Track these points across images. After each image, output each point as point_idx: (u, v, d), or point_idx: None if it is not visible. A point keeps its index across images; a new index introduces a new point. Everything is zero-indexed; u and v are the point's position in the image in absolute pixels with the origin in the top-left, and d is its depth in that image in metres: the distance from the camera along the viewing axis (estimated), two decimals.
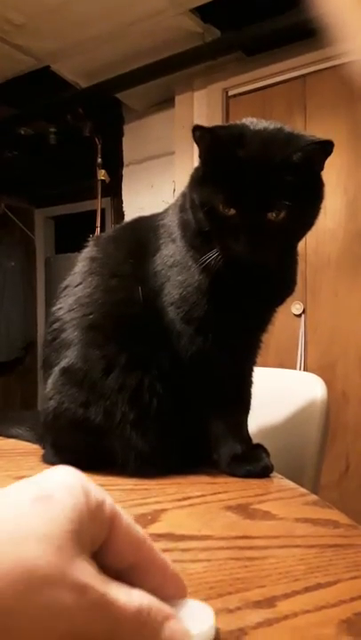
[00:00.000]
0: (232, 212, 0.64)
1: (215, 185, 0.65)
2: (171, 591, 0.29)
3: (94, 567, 0.25)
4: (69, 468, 0.28)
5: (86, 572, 0.24)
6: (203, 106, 2.47)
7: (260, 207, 0.63)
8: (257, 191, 0.63)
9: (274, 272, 0.71)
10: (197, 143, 0.67)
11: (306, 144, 0.63)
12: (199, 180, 0.69)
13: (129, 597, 0.25)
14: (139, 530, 0.29)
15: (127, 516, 0.28)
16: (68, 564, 0.23)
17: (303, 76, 2.19)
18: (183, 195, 0.75)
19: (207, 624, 0.30)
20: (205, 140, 0.66)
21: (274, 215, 0.63)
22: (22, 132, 3.05)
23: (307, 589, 0.37)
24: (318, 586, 0.38)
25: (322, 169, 0.67)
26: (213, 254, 0.66)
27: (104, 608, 0.24)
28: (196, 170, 0.71)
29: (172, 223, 0.75)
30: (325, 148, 0.64)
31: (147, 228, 0.78)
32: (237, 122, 0.70)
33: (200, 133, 0.66)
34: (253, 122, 0.68)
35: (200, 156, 0.69)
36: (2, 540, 0.22)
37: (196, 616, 0.31)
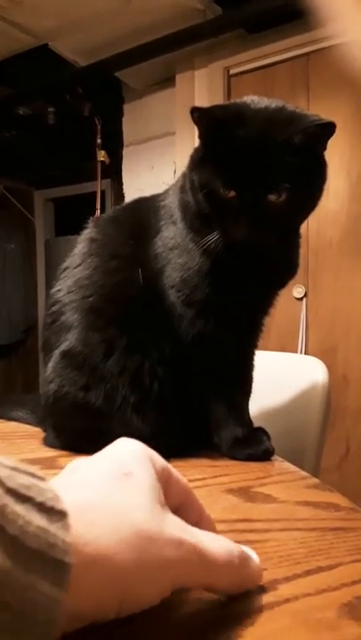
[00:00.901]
0: (232, 194, 0.63)
1: (215, 166, 0.64)
2: (206, 527, 0.34)
3: (179, 520, 0.29)
4: (132, 440, 0.35)
5: (177, 527, 0.28)
6: (204, 85, 2.43)
7: (261, 189, 0.62)
8: (257, 173, 0.61)
9: (276, 255, 0.70)
10: (196, 124, 0.66)
11: (307, 126, 0.61)
12: (199, 161, 0.67)
13: (217, 544, 0.30)
14: (183, 479, 0.35)
15: (174, 469, 0.34)
16: (163, 523, 0.28)
17: (307, 54, 2.15)
18: (183, 175, 0.73)
19: None
20: (204, 121, 0.65)
21: (274, 197, 0.62)
22: (21, 112, 3.00)
23: (308, 572, 0.37)
24: (319, 569, 0.38)
25: (324, 149, 0.66)
26: (213, 237, 0.65)
27: (199, 556, 0.28)
28: (196, 150, 0.69)
29: (172, 204, 0.74)
30: (328, 129, 0.62)
31: (147, 209, 0.77)
32: (238, 100, 0.68)
33: (198, 114, 0.64)
34: (254, 100, 0.67)
35: (199, 137, 0.68)
36: (115, 512, 0.26)
37: None
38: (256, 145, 0.61)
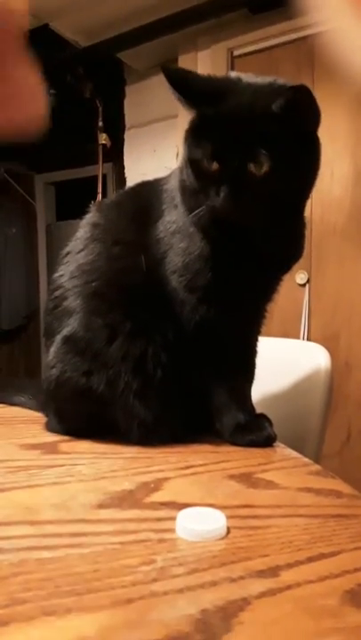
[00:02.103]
0: (215, 166, 0.62)
1: (200, 139, 0.63)
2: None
3: None
4: None
5: None
6: (207, 66, 2.38)
7: (242, 159, 0.60)
8: (238, 143, 0.61)
9: (272, 235, 0.68)
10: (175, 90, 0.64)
11: (280, 91, 0.60)
12: (187, 135, 0.66)
13: None
14: None
15: None
16: None
17: (311, 35, 2.11)
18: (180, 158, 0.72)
19: (220, 523, 0.41)
20: (183, 90, 0.64)
21: (255, 167, 0.60)
22: None
23: (310, 559, 0.38)
24: (321, 556, 0.38)
25: (315, 124, 0.64)
26: (201, 211, 0.64)
27: None
28: (189, 124, 0.68)
29: (174, 188, 0.73)
30: (301, 93, 0.60)
31: (150, 193, 0.76)
32: (228, 74, 0.67)
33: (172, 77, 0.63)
34: (244, 76, 0.66)
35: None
36: None
37: (212, 518, 0.42)
38: (238, 116, 0.61)
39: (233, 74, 0.67)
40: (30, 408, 0.89)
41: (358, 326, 2.03)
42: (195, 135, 0.65)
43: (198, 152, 0.63)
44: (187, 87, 0.64)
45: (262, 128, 0.60)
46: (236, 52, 2.33)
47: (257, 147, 0.60)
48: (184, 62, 2.47)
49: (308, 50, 2.11)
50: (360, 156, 1.99)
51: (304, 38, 2.13)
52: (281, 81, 0.65)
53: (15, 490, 0.51)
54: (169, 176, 0.76)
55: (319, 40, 2.04)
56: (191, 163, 0.65)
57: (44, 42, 2.50)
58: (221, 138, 0.61)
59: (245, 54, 2.31)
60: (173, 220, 0.71)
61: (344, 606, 0.32)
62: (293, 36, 2.15)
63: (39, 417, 0.80)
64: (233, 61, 2.34)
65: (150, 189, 0.77)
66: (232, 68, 2.33)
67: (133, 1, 2.20)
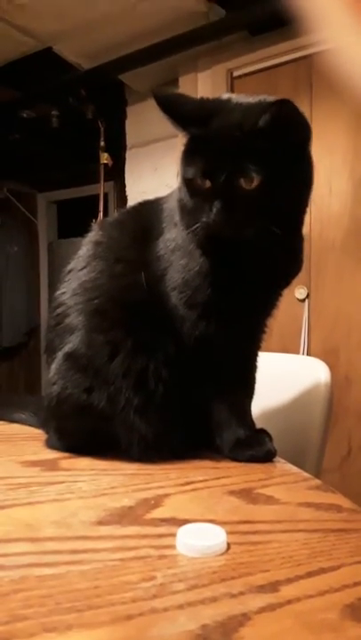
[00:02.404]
0: (207, 183, 0.63)
1: (192, 158, 0.65)
2: None
3: None
4: None
5: None
6: (207, 87, 2.42)
7: (231, 174, 0.61)
8: (227, 159, 0.62)
9: (274, 252, 0.68)
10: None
11: (266, 107, 0.61)
12: (183, 155, 0.68)
13: None
14: None
15: None
16: None
17: (310, 55, 2.15)
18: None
19: (220, 539, 0.41)
20: (173, 113, 0.65)
21: (245, 182, 0.61)
22: (24, 115, 3.01)
23: (310, 574, 0.38)
24: (322, 570, 0.38)
25: (302, 136, 0.65)
26: (197, 228, 0.65)
27: None
28: (184, 146, 0.69)
29: (173, 207, 0.74)
30: (284, 107, 0.61)
31: (151, 212, 0.77)
32: (220, 96, 0.69)
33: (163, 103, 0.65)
34: (234, 96, 0.68)
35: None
36: None
37: (212, 534, 0.42)
38: (226, 133, 0.62)
39: (225, 95, 0.69)
40: (31, 425, 0.89)
41: (358, 341, 2.03)
42: (187, 155, 0.66)
43: (191, 171, 0.64)
44: (177, 111, 0.65)
45: (250, 144, 0.61)
46: (235, 73, 2.37)
47: (245, 162, 0.61)
48: (185, 83, 2.51)
49: (306, 69, 2.15)
50: (358, 172, 2.01)
51: (302, 58, 2.17)
52: (270, 99, 0.66)
53: (15, 507, 0.51)
54: (169, 195, 0.77)
55: (320, 58, 2.08)
56: (186, 182, 0.66)
57: (47, 65, 2.56)
58: (211, 155, 0.63)
59: (245, 75, 2.35)
60: (173, 238, 0.72)
61: (344, 621, 0.32)
62: (292, 56, 2.19)
63: (39, 434, 0.80)
64: (233, 82, 2.39)
65: (151, 208, 0.78)
66: (232, 89, 2.37)
67: (134, 24, 2.25)
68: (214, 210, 0.62)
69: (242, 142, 0.62)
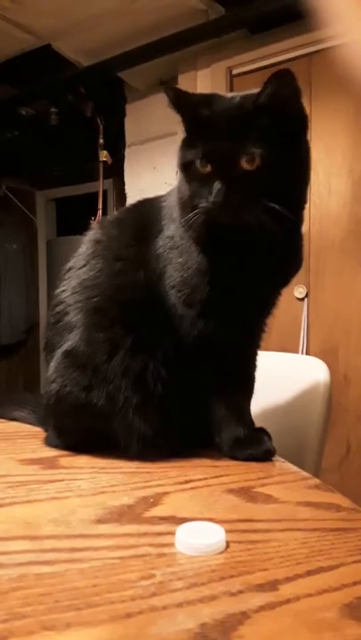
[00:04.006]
0: (208, 168, 0.63)
1: (192, 142, 0.65)
2: None
3: None
4: None
5: None
6: (206, 85, 2.42)
7: (233, 156, 0.61)
8: (229, 139, 0.62)
9: (274, 246, 0.67)
10: (172, 103, 0.67)
11: (264, 87, 0.62)
12: (181, 144, 0.68)
13: None
14: None
15: None
16: None
17: (309, 54, 2.14)
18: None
19: (219, 537, 0.41)
20: (179, 102, 0.66)
21: (246, 162, 0.61)
22: (23, 113, 3.00)
23: (309, 573, 0.38)
24: (320, 569, 0.38)
25: (299, 106, 0.66)
26: (195, 215, 0.64)
27: None
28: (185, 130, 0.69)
29: (173, 204, 0.74)
30: (286, 77, 0.61)
31: (150, 210, 0.77)
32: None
33: (173, 95, 0.66)
34: (233, 93, 0.69)
35: (183, 121, 0.68)
36: None
37: (211, 532, 0.42)
38: (227, 114, 0.63)
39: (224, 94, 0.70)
40: (29, 423, 0.89)
41: (357, 340, 2.04)
42: (187, 140, 0.67)
43: (191, 153, 0.64)
44: (182, 101, 0.66)
45: (251, 122, 0.62)
46: (235, 71, 2.36)
47: (247, 141, 0.61)
48: (184, 81, 2.50)
49: (305, 68, 2.15)
50: (357, 171, 2.01)
51: (302, 57, 2.16)
52: None
53: (14, 505, 0.51)
54: (168, 194, 0.77)
55: (319, 57, 2.08)
56: (184, 167, 0.66)
57: (46, 62, 2.55)
58: (212, 137, 0.63)
59: (244, 73, 2.34)
60: (172, 236, 0.72)
61: (343, 619, 0.32)
62: (291, 54, 2.19)
63: (38, 432, 0.80)
64: (232, 80, 2.38)
65: (150, 206, 0.78)
66: (231, 87, 2.37)
67: (134, 21, 2.25)
68: (214, 191, 0.61)
69: (243, 121, 0.62)
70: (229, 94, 0.68)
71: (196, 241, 0.68)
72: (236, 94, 0.67)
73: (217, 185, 0.61)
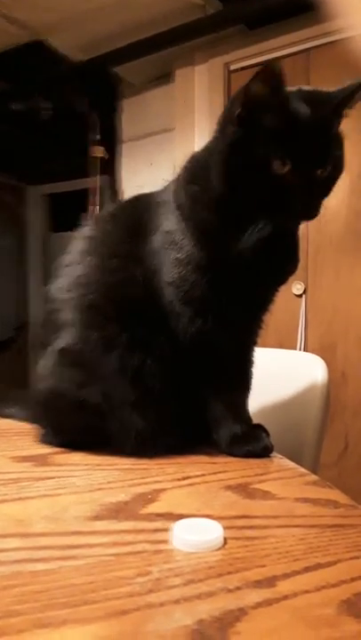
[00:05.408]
0: (287, 168, 0.61)
1: (267, 143, 0.62)
2: None
3: None
4: None
5: None
6: (204, 81, 2.41)
7: (315, 162, 0.62)
8: (312, 146, 0.62)
9: (278, 247, 0.69)
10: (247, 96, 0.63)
11: (354, 84, 0.64)
12: (237, 144, 0.64)
13: None
14: None
15: None
16: None
17: (307, 50, 2.14)
18: (186, 169, 0.73)
19: (217, 534, 0.41)
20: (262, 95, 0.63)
21: (322, 171, 0.63)
22: (16, 108, 2.98)
23: (307, 569, 0.37)
24: (318, 566, 0.38)
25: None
26: (260, 225, 0.64)
27: None
28: (227, 136, 0.65)
29: (171, 200, 0.73)
30: None
31: (145, 206, 0.76)
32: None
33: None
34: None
35: (242, 114, 0.63)
36: None
37: (209, 529, 0.42)
38: (311, 118, 0.62)
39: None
40: (22, 420, 0.88)
41: (355, 337, 2.04)
42: (253, 140, 0.62)
43: (264, 156, 0.61)
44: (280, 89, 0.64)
45: (332, 125, 0.64)
46: (232, 67, 2.36)
47: (331, 150, 0.64)
48: (181, 76, 2.50)
49: (303, 63, 2.14)
50: (355, 167, 2.00)
51: (300, 52, 2.16)
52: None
53: (6, 502, 0.50)
54: (164, 189, 0.77)
55: (346, 46, 2.07)
56: (248, 168, 0.63)
57: (40, 57, 2.53)
58: (295, 140, 0.61)
59: (242, 68, 2.33)
60: (170, 231, 0.71)
61: (341, 616, 0.31)
62: (289, 50, 2.18)
63: (31, 429, 0.80)
64: (230, 76, 2.37)
65: (146, 202, 0.77)
66: (228, 83, 2.36)
67: (130, 16, 2.23)
68: (301, 199, 0.63)
69: (326, 127, 0.63)
70: (306, 88, 0.67)
71: (251, 252, 0.66)
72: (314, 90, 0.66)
73: (301, 195, 0.62)
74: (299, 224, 0.69)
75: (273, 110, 0.62)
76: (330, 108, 0.63)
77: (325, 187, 0.66)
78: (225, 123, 0.67)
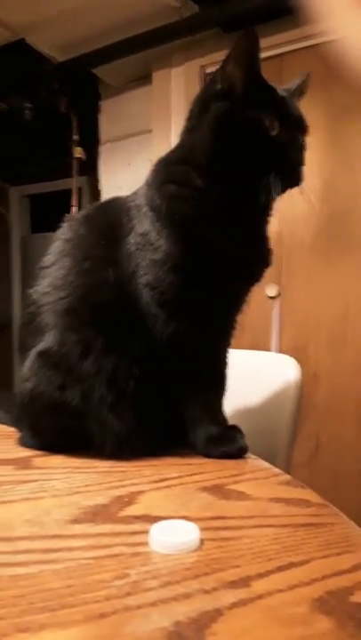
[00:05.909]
0: (277, 130, 0.70)
1: (255, 107, 0.70)
2: None
3: None
4: None
5: None
6: (180, 83, 2.42)
7: (299, 128, 0.74)
8: (295, 114, 0.74)
9: (250, 244, 0.73)
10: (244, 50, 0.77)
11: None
12: (226, 113, 0.71)
13: None
14: None
15: None
16: None
17: (280, 54, 2.17)
18: (158, 170, 0.76)
19: (193, 535, 0.42)
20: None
21: (304, 136, 0.76)
22: None
23: (280, 569, 0.38)
24: (291, 565, 0.39)
25: None
26: (271, 182, 0.69)
27: None
28: (214, 110, 0.71)
29: (143, 203, 0.73)
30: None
31: (119, 209, 0.77)
32: None
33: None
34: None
35: (224, 88, 0.73)
36: None
37: (185, 530, 0.43)
38: (284, 91, 0.76)
39: None
40: (3, 423, 0.88)
41: (326, 338, 2.07)
42: (244, 97, 0.71)
43: (252, 111, 0.70)
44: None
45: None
46: (208, 69, 2.37)
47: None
48: (158, 78, 2.50)
49: (277, 67, 2.17)
50: (327, 171, 2.04)
51: (274, 57, 2.18)
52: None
53: None
54: (134, 194, 0.77)
55: (290, 57, 2.10)
56: (237, 123, 0.70)
57: (19, 56, 2.51)
58: (286, 101, 0.73)
59: None
60: (145, 233, 0.71)
61: (313, 614, 0.32)
62: (264, 54, 2.20)
63: (12, 432, 0.80)
64: (206, 78, 2.38)
65: (119, 205, 0.77)
66: None
67: (109, 17, 2.23)
68: (301, 159, 0.75)
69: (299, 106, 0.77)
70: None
71: (180, 243, 0.69)
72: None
73: (294, 149, 0.72)
74: (283, 192, 0.73)
75: (252, 81, 0.72)
76: (293, 90, 0.78)
77: (304, 155, 0.74)
78: (203, 106, 0.73)
